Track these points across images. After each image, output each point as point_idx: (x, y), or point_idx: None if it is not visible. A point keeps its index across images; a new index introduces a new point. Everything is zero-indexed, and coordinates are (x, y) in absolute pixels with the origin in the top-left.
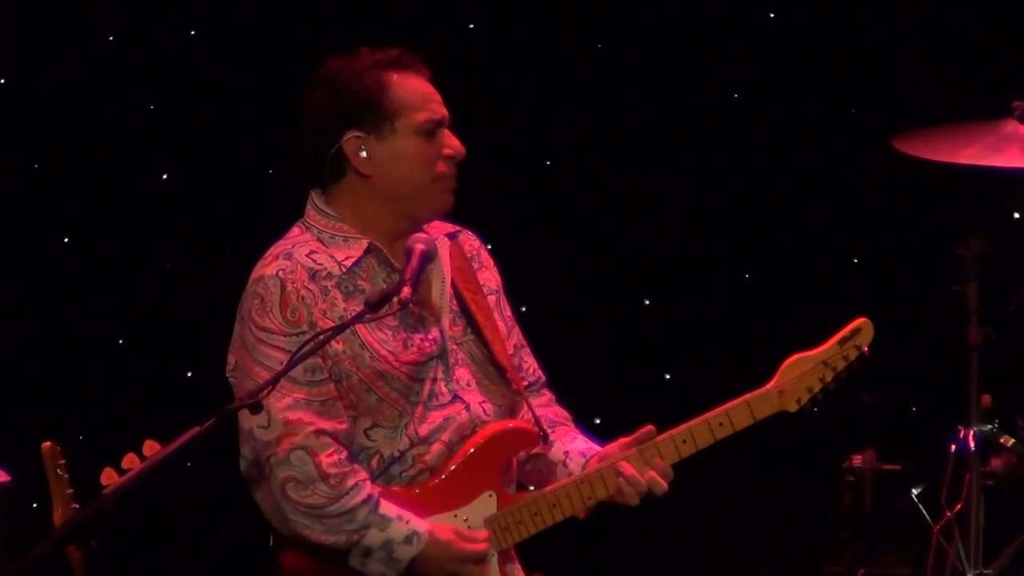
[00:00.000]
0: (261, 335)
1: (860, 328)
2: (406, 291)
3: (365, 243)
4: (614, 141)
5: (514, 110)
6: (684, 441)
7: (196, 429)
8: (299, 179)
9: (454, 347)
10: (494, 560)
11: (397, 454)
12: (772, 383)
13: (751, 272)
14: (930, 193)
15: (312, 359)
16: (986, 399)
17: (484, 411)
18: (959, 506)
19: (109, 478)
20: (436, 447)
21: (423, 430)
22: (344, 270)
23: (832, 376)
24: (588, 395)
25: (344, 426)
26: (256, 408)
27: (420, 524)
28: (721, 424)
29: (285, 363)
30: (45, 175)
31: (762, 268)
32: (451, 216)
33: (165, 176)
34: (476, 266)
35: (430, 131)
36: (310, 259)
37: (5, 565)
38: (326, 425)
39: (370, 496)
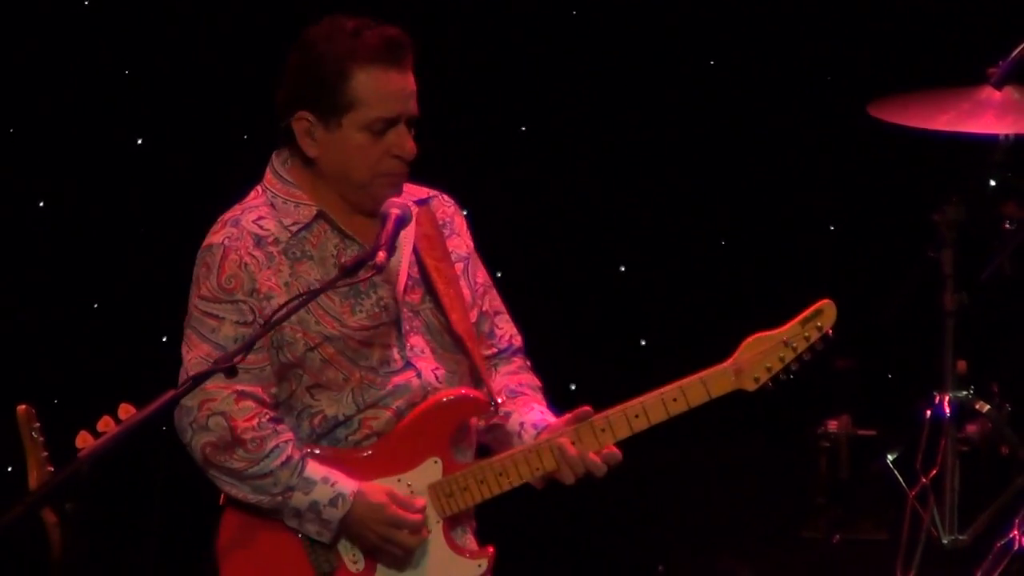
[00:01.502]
0: (197, 302)
1: (822, 310)
2: (381, 255)
3: (314, 210)
4: (591, 105)
5: (491, 73)
6: (636, 416)
7: (171, 393)
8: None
9: (410, 314)
10: (438, 527)
11: (342, 417)
12: (730, 361)
13: (727, 239)
14: (906, 159)
15: (243, 328)
16: (961, 365)
17: (436, 378)
18: (934, 472)
19: (84, 441)
20: (385, 413)
21: (371, 396)
22: (290, 235)
23: (793, 356)
24: (564, 361)
25: (271, 387)
26: (232, 372)
27: (346, 486)
28: (675, 400)
29: (216, 330)
30: (19, 139)
31: (738, 234)
32: (427, 179)
33: (140, 141)
34: (447, 233)
35: (379, 129)
36: (256, 225)
37: None
38: (247, 387)
39: (289, 458)
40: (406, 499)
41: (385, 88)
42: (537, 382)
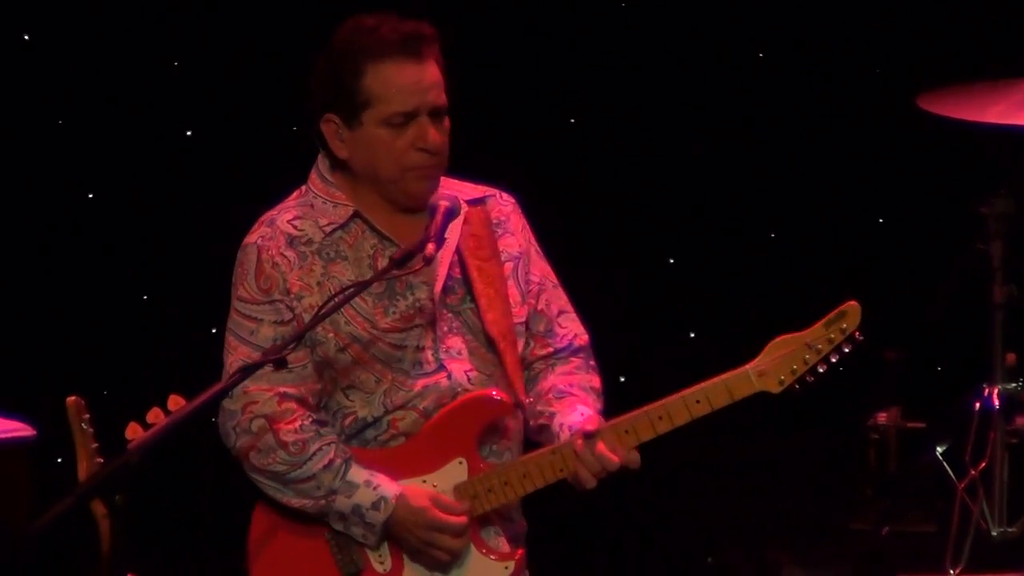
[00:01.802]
0: (236, 303)
1: (846, 312)
2: (430, 247)
3: (351, 210)
4: (638, 99)
5: (540, 67)
6: (660, 418)
7: (220, 384)
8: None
9: (449, 315)
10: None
11: (371, 419)
12: (753, 363)
13: (776, 231)
14: (955, 152)
15: (282, 328)
16: (1011, 357)
17: (468, 379)
18: (983, 464)
19: (134, 432)
20: (412, 414)
21: (399, 398)
22: (324, 235)
23: (817, 358)
24: (612, 353)
25: (315, 387)
26: (281, 363)
27: (389, 489)
28: (698, 402)
29: (254, 332)
30: (69, 130)
31: (788, 226)
32: (475, 174)
33: (190, 132)
34: (500, 232)
35: (399, 123)
36: (291, 225)
37: (30, 519)
38: (290, 389)
39: (332, 462)
40: (449, 503)
41: (399, 81)
42: (594, 382)
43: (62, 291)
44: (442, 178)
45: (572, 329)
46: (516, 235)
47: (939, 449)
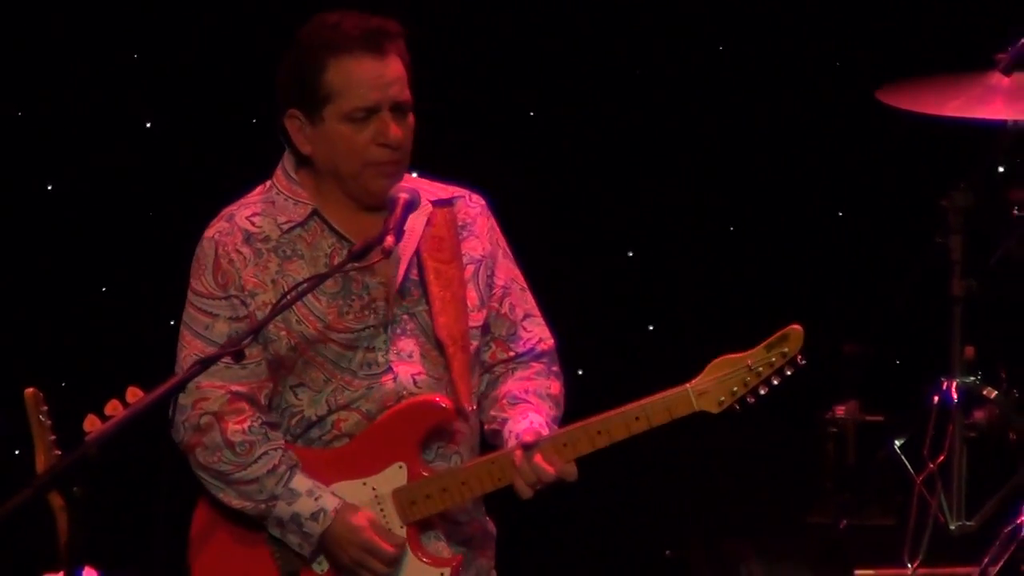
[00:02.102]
0: (192, 297)
1: (788, 335)
2: (389, 240)
3: (309, 208)
4: (599, 89)
5: (497, 60)
6: (599, 432)
7: (178, 376)
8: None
9: (404, 317)
10: (402, 532)
11: (315, 418)
12: (694, 381)
13: (734, 225)
14: (914, 145)
15: (236, 324)
16: (969, 351)
17: (415, 382)
18: (942, 458)
19: (92, 424)
20: (354, 415)
21: (344, 398)
22: (281, 232)
23: (757, 381)
24: (571, 346)
25: (267, 385)
26: (239, 356)
27: (330, 502)
28: (637, 419)
29: (209, 327)
30: (28, 120)
31: (747, 220)
32: (462, 178)
33: (149, 124)
34: (465, 235)
35: (360, 118)
36: (249, 221)
37: None
38: (241, 387)
39: (276, 467)
40: (385, 531)
41: (359, 76)
42: (552, 389)
43: (20, 283)
44: (412, 178)
45: (537, 334)
46: (481, 238)
47: (897, 443)
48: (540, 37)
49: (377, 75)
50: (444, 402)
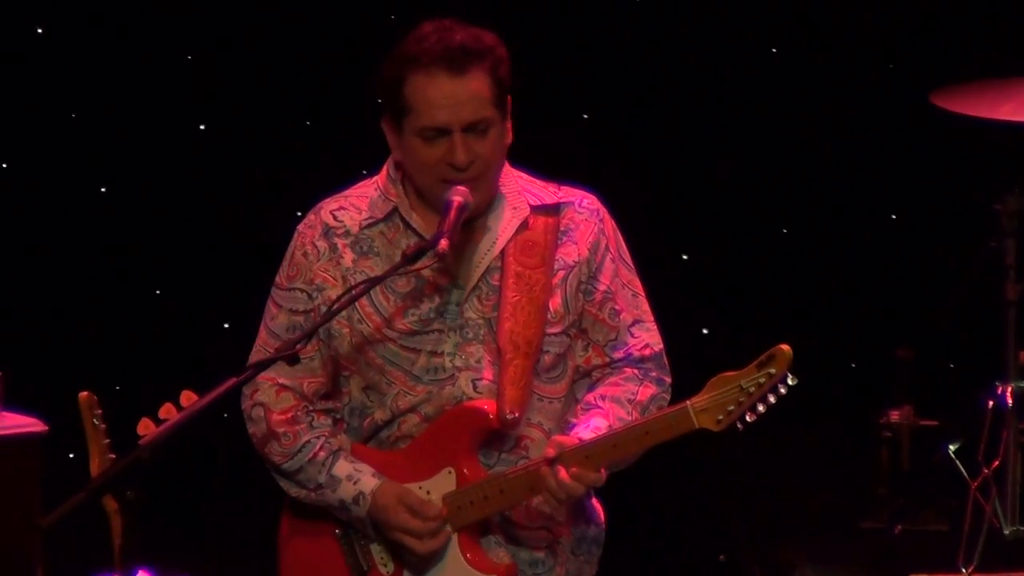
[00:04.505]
0: (272, 288)
1: (774, 356)
2: (443, 243)
3: (391, 206)
4: (651, 93)
5: (552, 63)
6: (614, 446)
7: (233, 380)
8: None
9: (479, 321)
10: (454, 537)
11: (382, 422)
12: (695, 399)
13: (788, 227)
14: (968, 149)
15: (296, 317)
16: None
17: (474, 388)
18: (996, 462)
19: (146, 428)
20: (415, 418)
21: (405, 402)
22: (360, 228)
23: (750, 401)
24: None
25: (316, 380)
26: (293, 360)
27: (367, 484)
28: (647, 434)
29: (274, 318)
30: (83, 124)
31: (800, 223)
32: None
33: (203, 127)
34: (563, 240)
35: (431, 136)
36: (331, 215)
37: (42, 515)
38: (288, 381)
39: (316, 455)
40: (417, 504)
41: (431, 96)
42: (640, 394)
43: (75, 287)
44: (523, 179)
45: (643, 339)
46: (580, 243)
47: (952, 447)
48: (600, 41)
49: (449, 95)
50: (489, 408)
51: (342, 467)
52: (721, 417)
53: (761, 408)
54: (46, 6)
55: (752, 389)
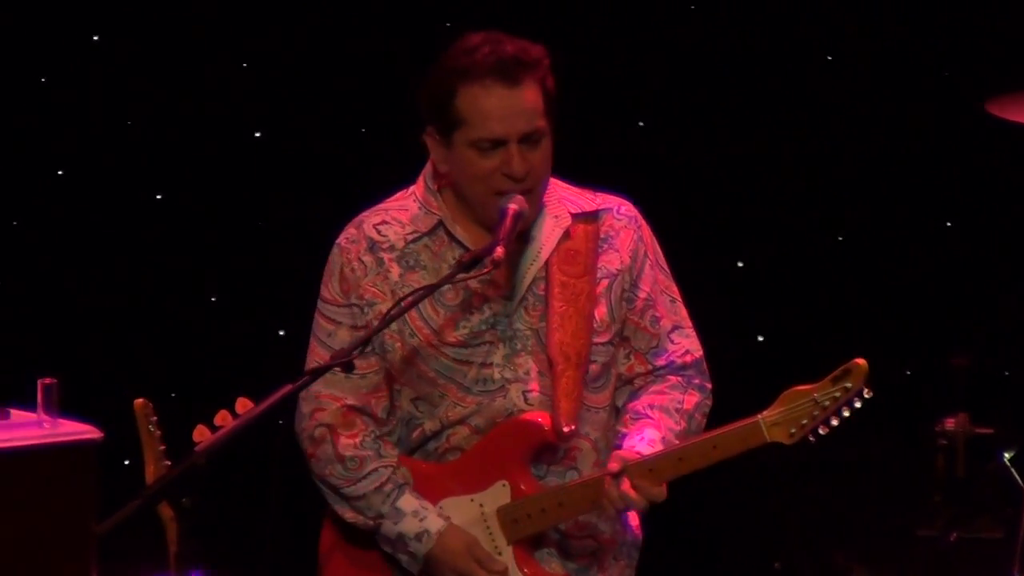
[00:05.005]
0: (319, 304)
1: (850, 370)
2: (499, 251)
3: (436, 220)
4: (704, 99)
5: (608, 68)
6: (680, 460)
7: (288, 387)
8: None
9: (527, 332)
10: (509, 551)
11: (431, 433)
12: (766, 412)
13: (845, 234)
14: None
15: (358, 332)
16: None
17: (526, 400)
18: None
19: (201, 435)
20: (464, 429)
21: (456, 413)
22: (406, 243)
23: (824, 415)
24: None
25: (383, 398)
26: (349, 367)
27: (434, 523)
28: (715, 447)
29: (332, 335)
30: (139, 131)
31: (856, 230)
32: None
33: (258, 134)
34: (604, 248)
35: (486, 148)
36: (375, 230)
37: (97, 522)
38: (356, 401)
39: (383, 485)
40: (485, 557)
41: (486, 107)
42: (685, 403)
43: (131, 293)
44: (560, 187)
45: (684, 346)
46: (621, 251)
47: (1007, 455)
48: (655, 44)
49: (505, 107)
50: (544, 421)
51: (408, 502)
52: (794, 431)
53: (835, 422)
54: (102, 14)
55: (827, 403)
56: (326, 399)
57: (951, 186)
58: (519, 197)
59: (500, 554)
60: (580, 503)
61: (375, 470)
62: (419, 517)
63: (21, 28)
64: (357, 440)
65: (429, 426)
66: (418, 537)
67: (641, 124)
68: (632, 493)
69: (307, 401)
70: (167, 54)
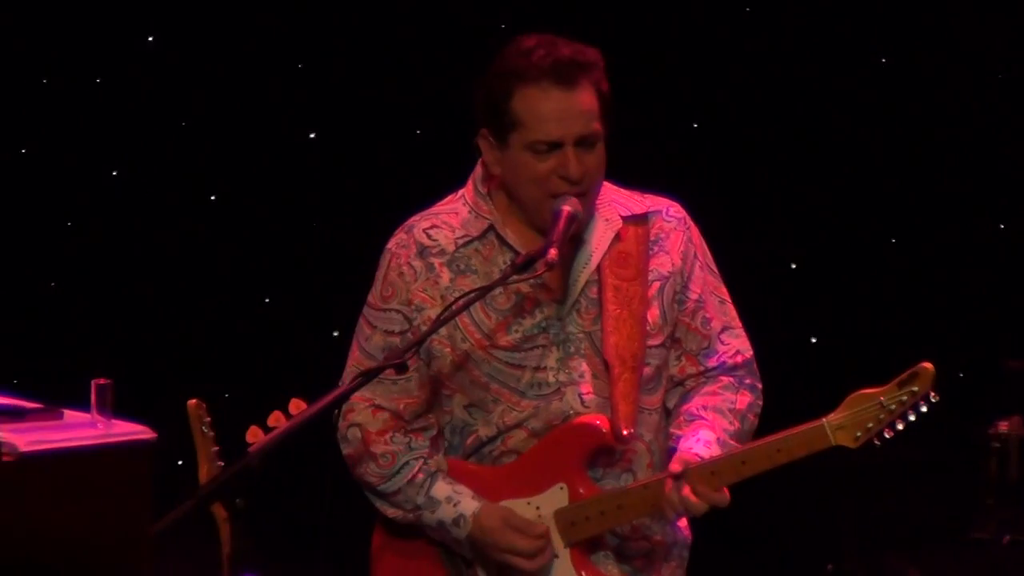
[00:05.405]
0: (364, 307)
1: (917, 374)
2: (552, 253)
3: (486, 224)
4: (761, 102)
5: (659, 69)
6: (743, 463)
7: (341, 388)
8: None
9: (580, 336)
10: (566, 553)
11: (486, 438)
12: (831, 416)
13: (897, 237)
14: None
15: (391, 339)
16: None
17: (582, 402)
18: None
19: (255, 436)
20: (522, 433)
21: (511, 418)
22: (456, 247)
23: (890, 418)
24: None
25: (414, 402)
26: (402, 368)
27: (467, 506)
28: (779, 451)
29: (369, 339)
30: (194, 133)
31: (910, 233)
32: (663, 188)
33: (312, 135)
34: (655, 250)
35: (543, 150)
36: (425, 234)
37: (151, 522)
38: (384, 402)
39: (415, 477)
40: (523, 524)
41: (543, 110)
42: (738, 403)
43: (185, 294)
44: (610, 190)
45: (734, 346)
46: (672, 253)
47: None
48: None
49: (562, 109)
50: (603, 424)
51: (440, 488)
52: (859, 434)
53: (900, 426)
54: (157, 16)
55: (893, 407)
56: (356, 400)
57: (1006, 188)
58: (573, 199)
59: (557, 556)
60: (639, 506)
61: (406, 463)
62: (453, 503)
63: (77, 31)
64: (387, 436)
65: (484, 431)
66: (456, 522)
67: (695, 126)
68: (693, 499)
69: (347, 401)
70: (224, 57)
